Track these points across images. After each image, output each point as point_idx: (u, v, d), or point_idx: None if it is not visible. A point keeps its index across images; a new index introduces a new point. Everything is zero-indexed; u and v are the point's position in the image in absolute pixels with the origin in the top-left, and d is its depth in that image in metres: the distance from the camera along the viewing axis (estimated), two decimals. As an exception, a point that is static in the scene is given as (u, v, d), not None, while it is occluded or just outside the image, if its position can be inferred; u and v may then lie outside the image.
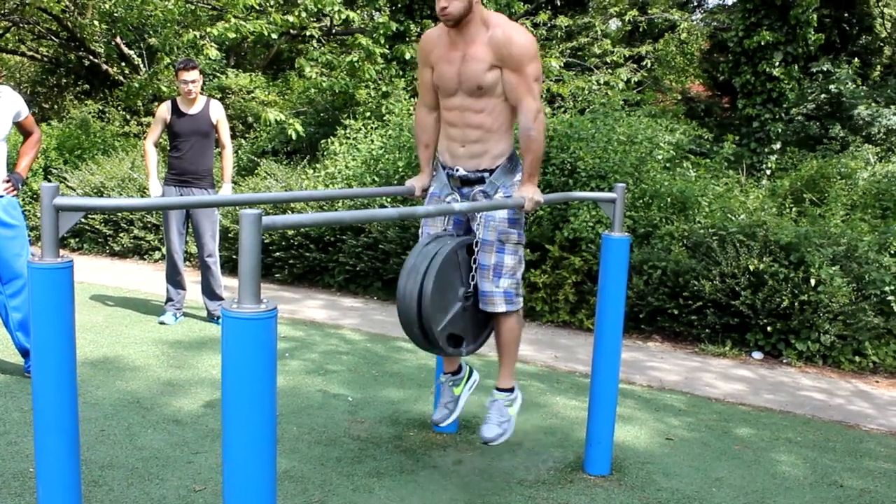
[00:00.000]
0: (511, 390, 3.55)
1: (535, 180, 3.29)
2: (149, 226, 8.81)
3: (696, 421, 4.59)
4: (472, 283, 3.33)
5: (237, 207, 7.03)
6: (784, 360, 6.01)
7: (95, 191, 9.12)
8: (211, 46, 10.19)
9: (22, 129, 4.53)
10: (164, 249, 7.25)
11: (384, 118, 8.97)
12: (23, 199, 9.38)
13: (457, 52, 3.25)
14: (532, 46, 3.16)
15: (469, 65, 3.21)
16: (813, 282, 5.85)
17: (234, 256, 7.69)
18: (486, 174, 3.34)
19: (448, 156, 3.41)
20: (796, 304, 5.88)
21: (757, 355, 6.10)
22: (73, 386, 2.44)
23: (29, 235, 4.55)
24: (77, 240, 9.33)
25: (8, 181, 4.31)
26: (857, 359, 5.94)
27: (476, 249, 3.32)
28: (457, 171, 3.37)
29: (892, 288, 5.90)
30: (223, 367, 2.11)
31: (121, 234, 8.94)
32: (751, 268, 6.01)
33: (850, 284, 5.93)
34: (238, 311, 2.06)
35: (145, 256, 8.88)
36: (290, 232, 7.74)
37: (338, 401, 4.53)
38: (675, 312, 6.33)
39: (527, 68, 3.16)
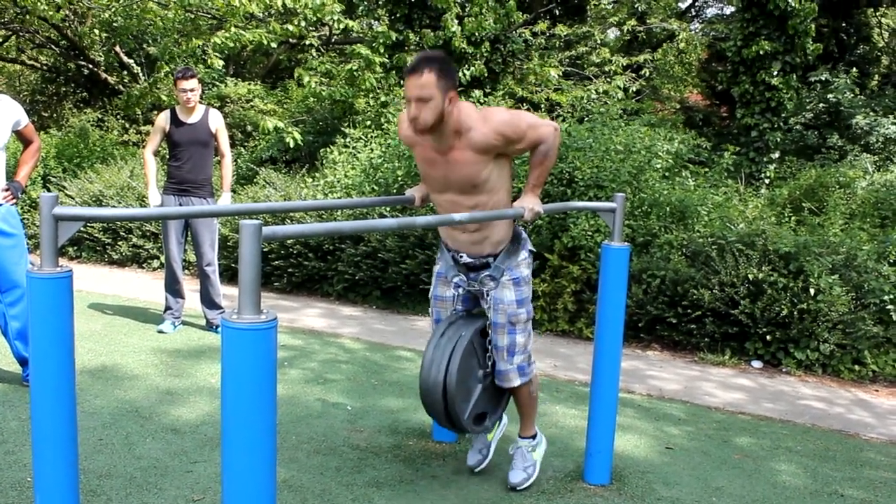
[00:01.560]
0: (534, 437, 3.69)
1: (537, 191, 3.30)
2: (148, 234, 8.80)
3: (696, 430, 4.58)
4: (489, 362, 3.46)
5: (236, 217, 7.03)
6: (783, 369, 6.01)
7: (94, 199, 9.12)
8: (214, 56, 10.21)
9: (21, 138, 4.53)
10: (162, 258, 7.26)
11: (383, 127, 8.98)
12: (21, 208, 9.38)
13: (439, 156, 3.18)
14: (509, 113, 3.15)
15: (457, 169, 3.15)
16: (812, 291, 5.85)
17: (233, 265, 7.69)
18: (491, 259, 3.37)
19: (451, 241, 3.43)
20: (795, 312, 5.88)
21: (756, 364, 6.10)
22: (71, 396, 2.44)
23: (28, 244, 4.55)
24: (76, 248, 9.33)
25: (7, 189, 4.30)
26: (857, 368, 5.94)
27: (489, 331, 3.41)
28: (461, 257, 3.40)
29: (892, 297, 5.91)
30: (223, 377, 2.11)
31: (120, 243, 8.94)
32: (750, 277, 6.01)
33: (850, 293, 5.93)
34: (238, 322, 2.06)
35: (144, 265, 8.88)
36: (289, 241, 7.74)
37: (337, 410, 4.52)
38: (675, 321, 6.32)
39: (521, 127, 3.13)
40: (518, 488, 3.55)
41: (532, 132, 3.15)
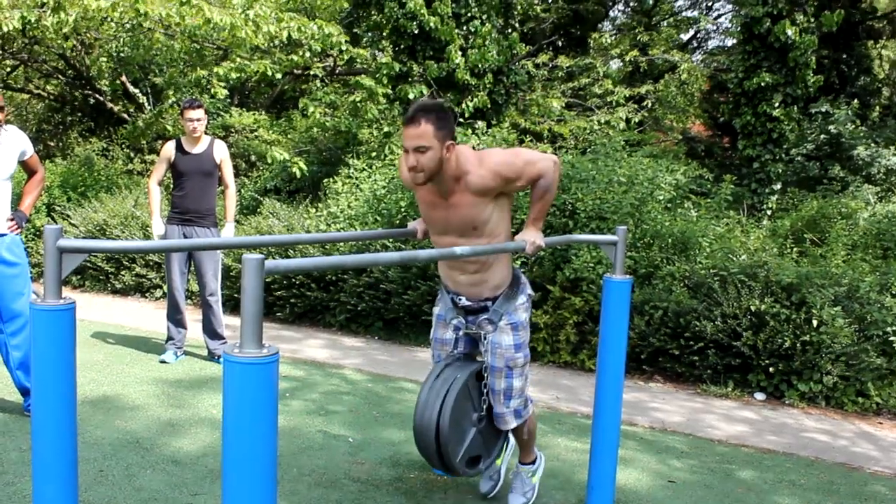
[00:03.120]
0: (533, 462, 3.76)
1: (539, 224, 3.31)
2: (151, 264, 8.82)
3: (699, 463, 4.56)
4: (484, 406, 3.45)
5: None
6: (787, 402, 5.98)
7: (98, 229, 9.16)
8: (219, 85, 10.30)
9: (26, 168, 4.57)
10: (165, 288, 7.26)
11: (386, 158, 9.04)
12: (26, 237, 9.42)
13: (440, 199, 3.22)
14: (505, 153, 3.18)
15: (458, 212, 3.18)
16: (815, 322, 5.84)
17: (235, 295, 7.69)
18: (489, 303, 3.38)
19: (450, 282, 3.45)
20: (798, 344, 5.87)
21: (759, 396, 6.07)
22: (72, 427, 2.43)
23: (31, 272, 4.56)
24: (79, 277, 9.35)
25: (12, 219, 4.33)
26: (861, 400, 5.91)
27: (485, 374, 3.42)
28: (460, 300, 3.42)
29: (895, 328, 5.89)
30: (224, 412, 2.11)
31: (123, 272, 8.96)
32: (752, 308, 6.00)
33: (852, 325, 5.92)
34: (240, 356, 2.06)
35: (147, 294, 8.89)
36: (292, 270, 7.75)
37: (338, 442, 4.51)
38: (677, 353, 6.31)
39: (519, 165, 3.15)
40: (527, 490, 3.69)
41: (530, 168, 3.16)
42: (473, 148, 3.31)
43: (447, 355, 3.53)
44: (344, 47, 9.84)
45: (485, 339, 3.40)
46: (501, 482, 3.79)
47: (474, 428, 3.41)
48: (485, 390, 3.43)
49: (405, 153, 3.07)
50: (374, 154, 9.51)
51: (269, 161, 9.83)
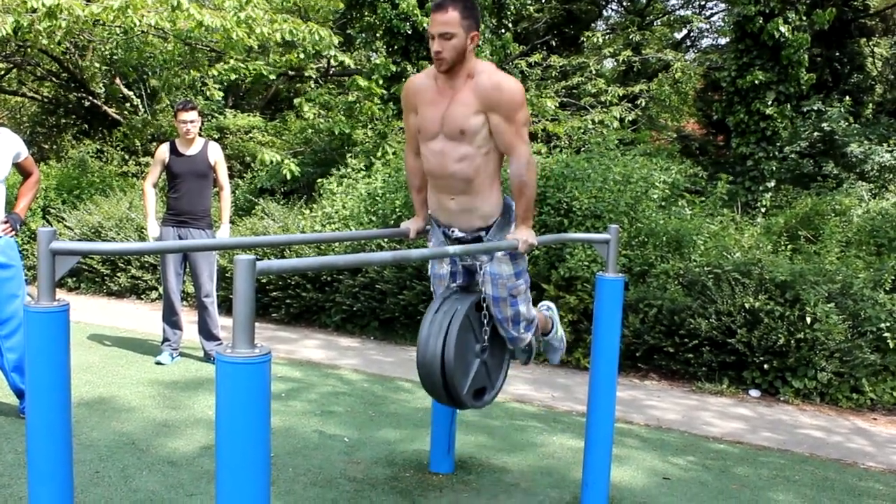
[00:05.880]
0: (552, 328, 3.83)
1: (528, 223, 3.31)
2: (146, 265, 8.82)
3: (694, 460, 4.57)
4: (486, 336, 3.43)
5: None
6: (781, 398, 6.00)
7: (93, 231, 9.15)
8: (214, 87, 10.29)
9: (21, 170, 4.57)
10: (161, 289, 7.26)
11: (381, 158, 9.04)
12: (21, 239, 9.41)
13: (443, 98, 3.26)
14: (520, 93, 3.18)
15: (454, 108, 3.22)
16: (809, 319, 5.86)
17: (231, 296, 7.68)
18: (483, 233, 3.37)
19: (441, 213, 3.44)
20: (792, 341, 5.89)
21: (754, 393, 6.09)
22: (67, 429, 2.44)
23: (26, 275, 4.56)
24: (74, 279, 9.34)
25: (6, 222, 4.33)
26: (855, 396, 5.94)
27: (484, 305, 3.40)
28: (453, 232, 3.41)
29: (888, 324, 5.92)
30: (217, 412, 2.12)
31: (118, 274, 8.95)
32: (746, 306, 6.02)
33: (846, 322, 5.94)
34: (232, 356, 2.07)
35: (142, 296, 8.89)
36: (287, 271, 7.75)
37: (334, 442, 4.52)
38: (672, 350, 6.33)
39: (516, 114, 3.17)
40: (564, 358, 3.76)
41: (516, 130, 3.18)
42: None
43: (445, 288, 3.52)
44: (333, 52, 9.83)
45: (481, 269, 3.38)
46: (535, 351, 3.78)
47: (478, 359, 3.40)
48: (485, 320, 3.41)
49: (431, 39, 3.15)
50: (372, 154, 9.50)
51: (260, 163, 9.83)
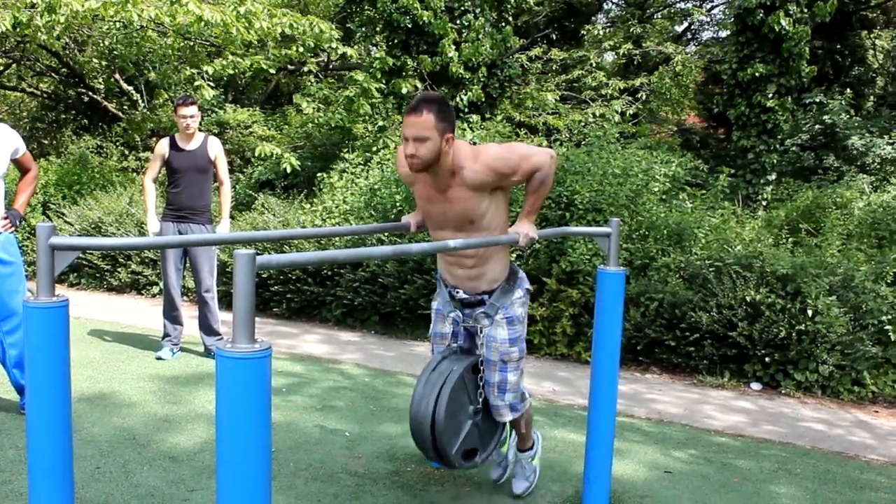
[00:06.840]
0: (531, 447, 3.80)
1: (532, 217, 3.31)
2: (146, 261, 8.81)
3: (696, 453, 4.57)
4: (480, 399, 3.45)
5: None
6: (783, 391, 6.00)
7: (93, 226, 9.14)
8: (207, 86, 10.26)
9: (19, 166, 4.56)
10: (161, 284, 7.25)
11: (377, 152, 9.03)
12: (21, 235, 9.40)
13: (438, 193, 3.24)
14: (500, 147, 3.19)
15: (454, 205, 3.20)
16: (810, 312, 5.85)
17: (231, 291, 7.68)
18: (486, 296, 3.39)
19: (448, 276, 3.46)
20: (794, 334, 5.88)
21: (755, 386, 6.09)
22: (67, 425, 2.43)
23: (26, 271, 4.56)
24: (75, 275, 9.34)
25: (6, 218, 4.32)
26: (857, 388, 5.93)
27: (481, 368, 3.42)
28: (457, 293, 3.43)
29: (890, 317, 5.91)
30: (217, 407, 2.11)
31: (118, 270, 8.95)
32: (748, 299, 6.01)
33: (848, 314, 5.93)
34: (232, 351, 2.06)
35: (143, 291, 8.88)
36: (288, 266, 7.74)
37: (335, 436, 4.51)
38: (673, 344, 6.32)
39: (516, 159, 3.15)
40: (524, 496, 3.76)
41: (525, 163, 3.17)
42: (472, 143, 3.31)
43: (445, 348, 3.53)
44: (334, 45, 9.81)
45: (481, 332, 3.41)
46: (510, 468, 3.85)
47: (470, 421, 3.41)
48: (481, 383, 3.43)
49: (405, 141, 3.10)
50: (371, 148, 9.48)
51: (258, 155, 9.80)
